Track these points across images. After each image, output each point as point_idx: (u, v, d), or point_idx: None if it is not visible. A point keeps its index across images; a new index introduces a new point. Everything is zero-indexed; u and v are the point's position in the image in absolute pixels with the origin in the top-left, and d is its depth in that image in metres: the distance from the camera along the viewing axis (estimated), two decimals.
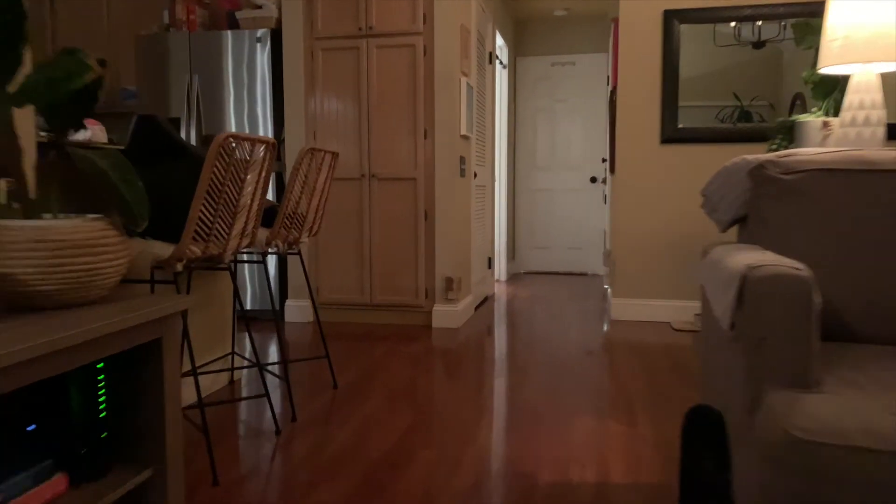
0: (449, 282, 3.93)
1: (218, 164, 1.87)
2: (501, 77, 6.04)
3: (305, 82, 4.05)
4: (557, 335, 3.81)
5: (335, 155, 2.65)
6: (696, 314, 4.01)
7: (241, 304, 2.27)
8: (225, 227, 2.00)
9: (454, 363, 3.18)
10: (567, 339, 3.69)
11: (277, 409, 2.53)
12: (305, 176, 2.48)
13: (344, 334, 3.82)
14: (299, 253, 2.69)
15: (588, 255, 6.67)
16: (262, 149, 2.07)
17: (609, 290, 4.72)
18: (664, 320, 4.19)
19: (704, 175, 4.07)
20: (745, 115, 4.04)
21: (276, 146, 2.36)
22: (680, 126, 4.09)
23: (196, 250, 1.91)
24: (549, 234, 6.74)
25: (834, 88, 4.22)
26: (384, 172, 3.99)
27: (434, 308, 3.98)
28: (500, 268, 6.21)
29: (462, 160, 4.09)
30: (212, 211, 1.91)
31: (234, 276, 2.25)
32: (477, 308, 4.70)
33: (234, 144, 1.90)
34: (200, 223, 1.89)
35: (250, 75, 4.07)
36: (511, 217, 6.62)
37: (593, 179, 6.56)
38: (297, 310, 4.15)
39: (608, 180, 5.64)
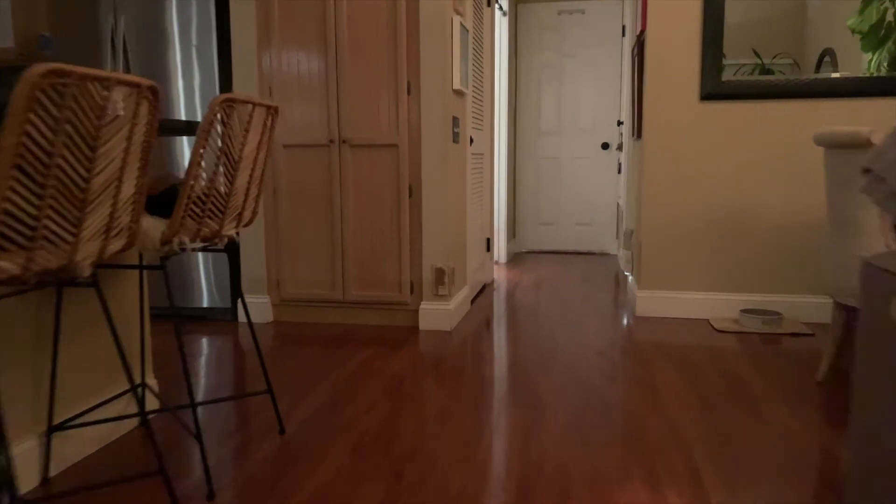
0: (440, 273, 3.18)
1: (35, 119, 1.10)
2: (501, 26, 5.20)
3: (259, 30, 3.23)
4: (574, 341, 3.06)
5: (272, 110, 1.86)
6: (744, 310, 3.28)
7: (180, 305, 1.51)
8: (66, 223, 1.23)
9: (445, 388, 2.44)
10: (587, 348, 2.95)
11: (189, 482, 1.79)
12: (229, 140, 1.71)
13: (310, 339, 3.08)
14: (226, 250, 1.92)
15: (599, 232, 5.91)
16: (133, 98, 1.30)
17: (631, 278, 3.98)
18: (701, 317, 3.46)
19: (757, 140, 3.30)
20: (766, 74, 3.26)
21: (156, 92, 1.57)
22: (725, 79, 3.30)
23: (7, 265, 1.15)
24: (555, 208, 5.97)
25: (888, 38, 3.44)
26: (358, 138, 3.20)
27: (422, 306, 3.23)
28: (500, 248, 5.45)
29: (455, 122, 3.31)
30: (33, 198, 1.14)
31: (141, 286, 1.48)
32: (474, 300, 3.95)
33: (62, 87, 1.12)
34: (10, 220, 1.12)
35: (185, 21, 3.25)
36: (512, 190, 5.84)
37: (605, 146, 5.77)
38: (254, 308, 3.40)
39: (626, 147, 4.86)
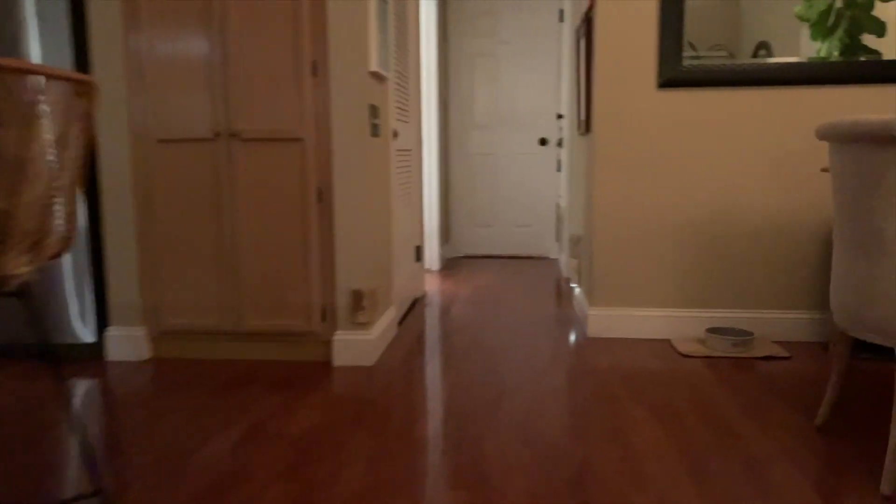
0: (358, 296, 2.60)
1: None
2: (429, 9, 4.65)
3: (124, 4, 2.57)
4: (523, 376, 2.55)
5: (84, 86, 1.25)
6: (710, 329, 2.85)
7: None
8: None
9: (363, 460, 1.88)
10: (539, 386, 2.44)
11: None
12: None
13: (195, 383, 2.45)
14: (18, 294, 1.29)
15: (538, 235, 5.45)
16: None
17: (578, 290, 3.51)
18: (662, 336, 3.01)
19: (724, 134, 2.87)
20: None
21: None
22: (686, 64, 2.86)
23: None
24: (492, 209, 5.47)
25: (838, 25, 3.11)
26: (252, 130, 2.58)
27: (336, 337, 2.65)
28: (432, 255, 4.91)
29: (374, 111, 2.73)
30: None
31: None
32: (402, 321, 3.39)
33: None
34: None
35: None
36: (444, 189, 5.30)
37: (543, 142, 5.31)
38: (124, 342, 2.73)
39: (568, 143, 4.40)
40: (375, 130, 2.75)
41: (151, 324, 2.74)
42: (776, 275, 2.92)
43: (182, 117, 2.60)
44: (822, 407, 1.98)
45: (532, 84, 5.28)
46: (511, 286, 4.29)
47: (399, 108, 3.34)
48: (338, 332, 2.65)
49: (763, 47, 2.93)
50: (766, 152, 2.86)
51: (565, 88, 4.53)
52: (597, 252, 3.00)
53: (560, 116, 4.88)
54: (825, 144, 2.83)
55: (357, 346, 2.63)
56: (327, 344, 2.68)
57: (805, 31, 2.86)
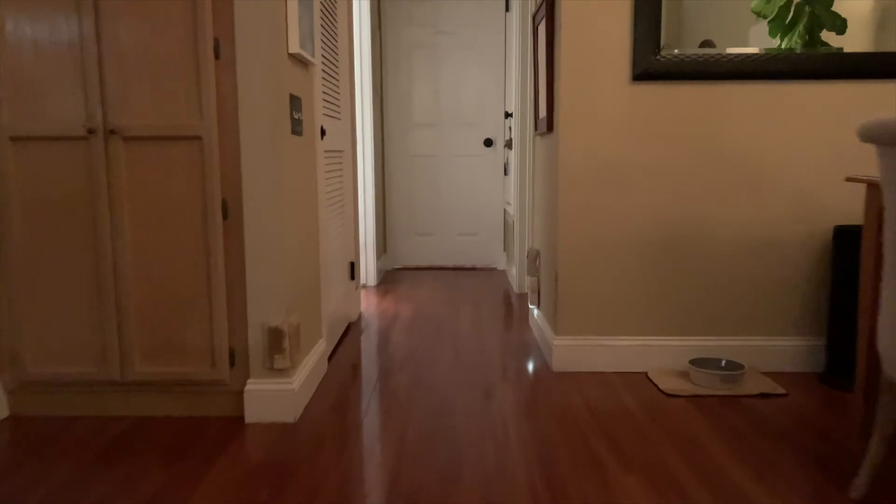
0: (276, 336, 2.08)
1: None
2: None
3: None
4: (484, 434, 2.08)
5: None
6: (694, 362, 2.46)
7: None
8: None
9: None
10: (505, 449, 1.98)
11: None
12: None
13: (63, 449, 1.87)
14: None
15: (484, 245, 5.02)
16: None
17: (537, 312, 3.08)
18: (638, 369, 2.61)
19: (709, 134, 2.49)
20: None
21: None
22: (663, 55, 2.46)
23: None
24: (433, 216, 5.00)
25: (798, 21, 2.81)
26: (136, 126, 2.02)
27: (248, 387, 2.11)
28: (369, 269, 4.39)
29: (295, 103, 2.21)
30: None
31: None
32: (334, 354, 2.87)
33: None
34: None
35: None
36: (381, 195, 4.80)
37: (489, 143, 4.88)
38: None
39: (519, 144, 3.98)
40: (297, 127, 2.23)
41: (8, 374, 2.13)
42: (765, 296, 2.56)
43: (44, 109, 2.01)
44: (861, 474, 1.59)
45: (476, 79, 4.84)
46: (458, 304, 3.83)
47: (328, 101, 2.82)
48: (251, 380, 2.11)
49: (707, 45, 2.57)
50: (756, 156, 2.50)
51: (514, 84, 4.10)
52: (562, 271, 2.57)
53: (508, 115, 4.45)
54: (829, 147, 2.49)
55: (275, 397, 2.11)
56: (238, 396, 2.14)
57: (754, 29, 2.51)
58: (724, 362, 2.48)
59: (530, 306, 3.16)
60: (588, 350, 2.59)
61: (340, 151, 3.13)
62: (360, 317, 3.56)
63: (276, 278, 2.07)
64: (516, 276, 4.13)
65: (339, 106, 3.10)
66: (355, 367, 2.69)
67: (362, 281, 4.39)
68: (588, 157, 2.51)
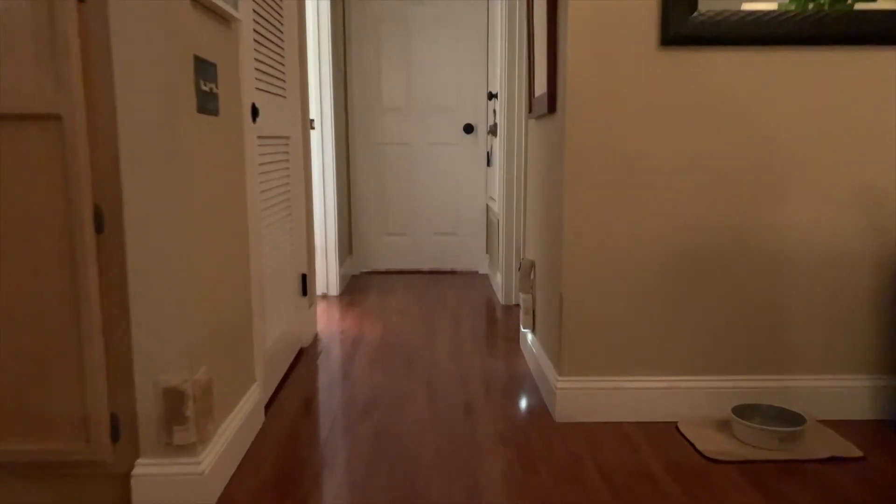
0: (175, 399, 1.46)
1: None
2: None
3: None
4: None
5: None
6: (738, 410, 1.91)
7: None
8: None
9: None
10: None
11: None
12: None
13: None
14: None
15: (465, 245, 4.42)
16: None
17: (531, 338, 2.50)
18: (665, 418, 2.04)
19: (761, 116, 1.91)
20: None
21: None
22: (702, 12, 1.87)
23: None
24: (406, 213, 4.39)
25: None
26: None
27: (138, 469, 1.50)
28: (329, 276, 3.78)
29: (205, 70, 1.59)
30: None
31: None
32: (274, 399, 2.26)
33: None
34: None
35: None
36: (345, 189, 4.17)
37: (469, 129, 4.28)
38: None
39: (505, 129, 3.39)
40: (208, 103, 1.60)
41: None
42: (825, 324, 2.00)
43: None
44: None
45: (454, 56, 4.23)
46: (434, 319, 3.23)
47: (265, 73, 2.19)
48: (141, 460, 1.50)
49: None
50: (816, 146, 1.93)
51: (499, 60, 3.50)
52: (568, 293, 1.99)
53: (492, 96, 3.86)
54: None
55: (176, 483, 1.49)
56: (124, 480, 1.52)
57: None
58: (776, 411, 1.92)
59: (523, 329, 2.58)
60: (601, 394, 2.01)
61: (285, 138, 2.50)
62: (315, 339, 2.95)
63: (175, 315, 1.45)
64: (502, 285, 3.55)
65: (283, 81, 2.47)
66: (302, 419, 2.08)
67: (322, 290, 3.77)
68: (603, 144, 1.93)
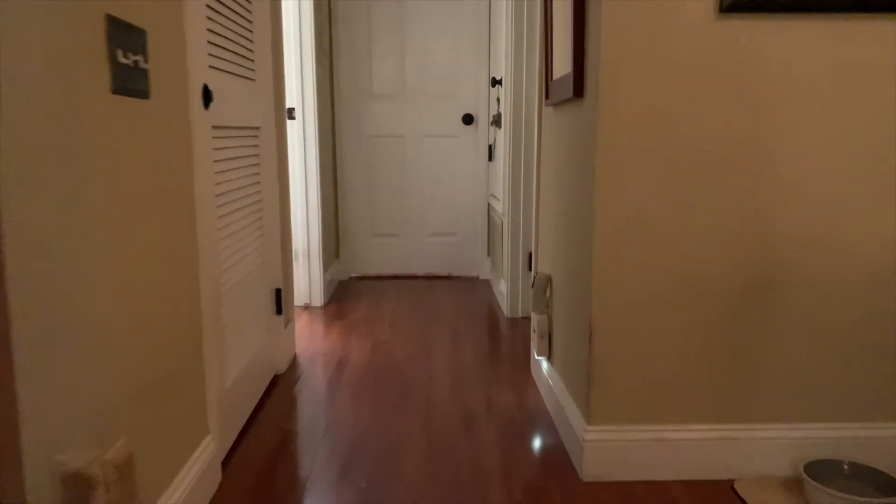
0: (80, 486, 1.06)
1: None
2: None
3: None
4: None
5: None
6: (812, 469, 1.52)
7: None
8: None
9: None
10: None
11: None
12: None
13: None
14: None
15: (464, 247, 4.03)
16: None
17: (545, 364, 2.11)
18: (718, 477, 1.65)
19: (846, 99, 1.52)
20: None
21: None
22: None
23: None
24: (399, 213, 3.99)
25: None
26: None
27: None
28: (311, 284, 3.37)
29: (125, 36, 1.18)
30: None
31: None
32: (237, 447, 1.86)
33: None
34: None
35: None
36: (329, 187, 3.77)
37: (468, 119, 3.87)
38: None
39: (507, 119, 2.99)
40: (132, 81, 1.19)
41: None
42: None
43: None
44: None
45: (453, 37, 3.82)
46: (430, 336, 2.84)
47: (226, 50, 1.78)
48: None
49: None
50: None
51: (504, 42, 3.10)
52: (600, 322, 1.59)
53: (496, 82, 3.45)
54: None
55: None
56: None
57: None
58: (862, 470, 1.54)
59: (537, 357, 2.18)
60: (640, 448, 1.63)
61: (254, 129, 2.09)
62: (293, 362, 2.55)
63: (78, 368, 1.05)
64: (506, 294, 3.15)
65: (251, 61, 2.06)
66: (266, 481, 1.68)
67: (304, 301, 3.37)
68: (647, 133, 1.53)
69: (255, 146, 2.13)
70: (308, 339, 2.84)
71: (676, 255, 1.57)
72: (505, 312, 3.20)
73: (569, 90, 1.73)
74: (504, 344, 2.75)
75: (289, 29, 3.07)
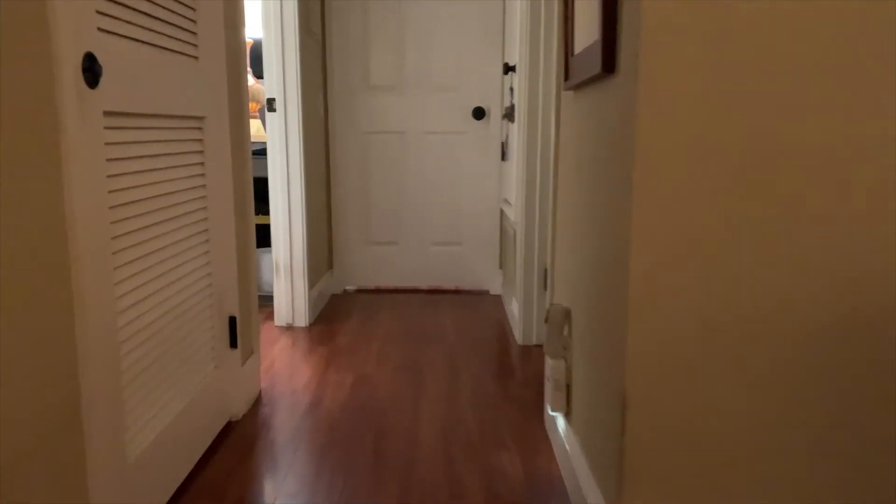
0: None
1: None
2: None
3: None
4: None
5: None
6: None
7: None
8: None
9: None
10: None
11: None
12: None
13: None
14: None
15: (472, 258, 3.57)
16: None
17: (563, 425, 1.64)
18: None
19: None
20: None
21: None
22: None
23: None
24: (398, 217, 3.54)
25: None
26: None
27: None
28: (294, 301, 2.94)
29: None
30: None
31: None
32: None
33: None
34: None
35: None
36: (318, 188, 3.33)
37: (479, 113, 3.41)
38: None
39: (521, 111, 2.54)
40: None
41: None
42: None
43: None
44: None
45: (461, 18, 3.36)
46: (424, 368, 2.39)
47: (138, 12, 1.34)
48: None
49: None
50: None
51: (518, 20, 2.64)
52: (636, 390, 1.12)
53: (509, 69, 2.98)
54: None
55: None
56: None
57: None
58: None
59: (551, 412, 1.71)
60: None
61: (195, 118, 1.65)
62: (256, 403, 2.11)
63: None
64: (519, 316, 2.69)
65: (188, 32, 1.62)
66: None
67: (286, 321, 2.94)
68: (708, 126, 1.06)
69: (198, 140, 1.69)
70: (281, 369, 2.40)
71: (749, 296, 1.09)
72: (516, 338, 2.73)
73: (595, 64, 1.26)
74: (513, 382, 2.29)
75: (264, 2, 2.63)
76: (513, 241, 2.93)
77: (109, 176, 1.22)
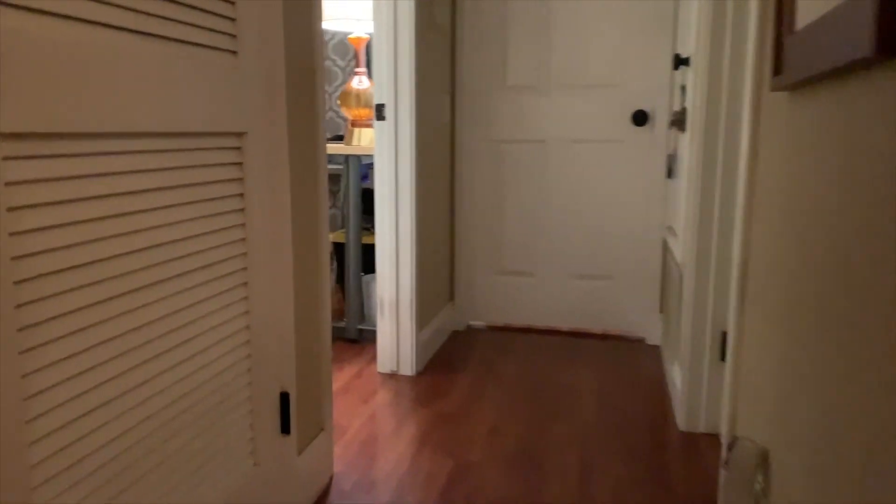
0: None
1: None
2: None
3: None
4: None
5: None
6: None
7: None
8: None
9: None
10: None
11: None
12: None
13: None
14: None
15: (624, 296, 2.89)
16: None
17: None
18: None
19: None
20: None
21: None
22: None
23: None
24: (535, 244, 2.95)
25: None
26: None
27: None
28: (400, 345, 2.47)
29: None
30: None
31: None
32: None
33: None
34: None
35: None
36: (447, 207, 2.83)
37: (641, 118, 2.73)
38: None
39: (695, 116, 1.84)
40: None
41: None
42: None
43: None
44: None
45: (617, 5, 2.70)
46: (546, 459, 1.80)
47: None
48: None
49: None
50: None
51: (696, 5, 1.96)
52: None
53: (681, 62, 2.28)
54: None
55: None
56: None
57: None
58: None
59: None
60: None
61: (231, 136, 1.20)
62: (325, 492, 1.65)
63: None
64: (682, 389, 2.01)
65: (220, 18, 1.17)
66: None
67: (390, 367, 2.47)
68: None
69: (234, 164, 1.24)
70: (367, 443, 1.93)
71: None
72: (678, 422, 2.05)
73: (853, 42, 0.62)
74: (671, 499, 1.63)
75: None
76: (678, 285, 2.24)
77: (12, 234, 0.79)
